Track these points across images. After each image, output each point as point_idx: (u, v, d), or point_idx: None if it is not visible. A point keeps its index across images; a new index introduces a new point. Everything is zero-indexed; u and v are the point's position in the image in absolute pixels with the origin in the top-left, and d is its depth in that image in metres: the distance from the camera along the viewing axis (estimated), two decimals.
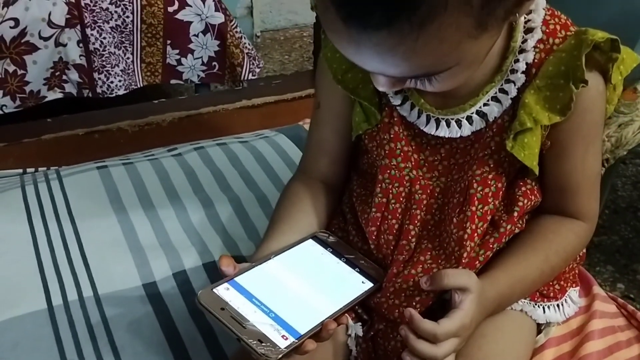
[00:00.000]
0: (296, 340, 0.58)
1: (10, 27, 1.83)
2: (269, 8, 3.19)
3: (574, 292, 0.77)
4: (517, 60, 0.63)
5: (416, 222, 0.70)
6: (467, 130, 0.66)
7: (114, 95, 2.03)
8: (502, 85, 0.64)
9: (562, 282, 0.75)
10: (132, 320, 0.79)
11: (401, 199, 0.70)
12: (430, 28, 0.48)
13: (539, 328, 0.75)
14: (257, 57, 2.19)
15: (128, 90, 2.06)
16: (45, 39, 1.89)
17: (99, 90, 2.00)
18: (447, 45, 0.50)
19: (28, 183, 1.01)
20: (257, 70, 2.16)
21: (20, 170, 1.07)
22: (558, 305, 0.75)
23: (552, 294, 0.74)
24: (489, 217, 0.68)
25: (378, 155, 0.71)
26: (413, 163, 0.70)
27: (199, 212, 0.96)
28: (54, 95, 1.97)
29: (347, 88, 0.70)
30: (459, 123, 0.66)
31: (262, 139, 1.14)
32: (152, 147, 1.13)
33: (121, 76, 2.04)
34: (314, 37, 1.45)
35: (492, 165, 0.66)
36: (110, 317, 0.79)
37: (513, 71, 0.64)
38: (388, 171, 0.70)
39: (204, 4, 2.05)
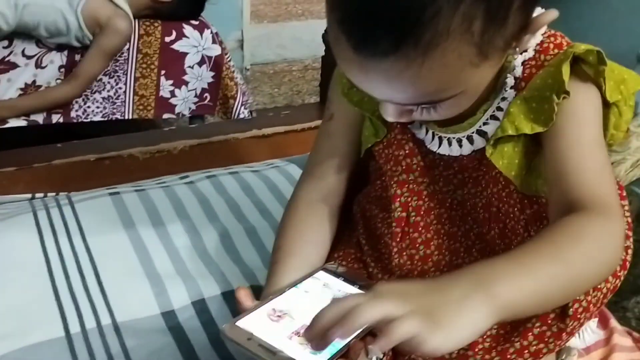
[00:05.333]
0: None
1: (3, 47, 1.78)
2: (259, 42, 3.22)
3: (592, 323, 0.78)
4: (506, 77, 0.66)
5: (442, 234, 0.71)
6: (467, 149, 0.68)
7: (88, 120, 1.97)
8: (498, 103, 0.66)
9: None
10: (152, 351, 0.77)
11: (421, 212, 0.72)
12: (434, 54, 0.51)
13: (559, 357, 0.74)
14: (246, 92, 2.20)
15: (106, 118, 2.01)
16: (28, 58, 1.84)
17: (73, 114, 1.94)
18: (450, 71, 0.54)
19: (39, 208, 0.99)
20: (248, 104, 2.17)
21: (29, 195, 1.05)
22: (578, 332, 0.75)
23: None
24: (520, 230, 0.67)
25: (395, 171, 0.72)
26: (430, 178, 0.72)
27: (215, 241, 0.96)
28: (17, 122, 1.86)
29: (352, 101, 0.73)
30: (459, 142, 0.69)
31: (273, 168, 1.15)
32: (163, 174, 1.12)
33: (100, 103, 2.00)
34: (322, 68, 1.47)
35: (503, 183, 0.67)
36: (130, 347, 0.78)
37: (505, 89, 0.66)
38: (406, 185, 0.72)
39: (201, 35, 2.07)
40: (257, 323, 0.61)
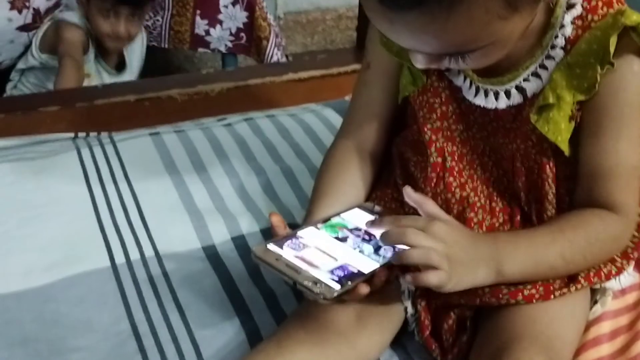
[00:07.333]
0: (350, 283, 0.60)
1: None
2: None
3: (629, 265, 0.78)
4: (556, 36, 0.64)
5: (475, 179, 0.72)
6: (503, 103, 0.68)
7: None
8: (542, 61, 0.65)
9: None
10: (194, 281, 0.80)
11: (456, 157, 0.72)
12: (459, 9, 0.50)
13: (594, 297, 0.75)
14: (279, 35, 2.19)
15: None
16: None
17: None
18: (476, 25, 0.52)
19: (83, 146, 1.02)
20: (282, 46, 2.16)
21: (72, 134, 1.08)
22: None
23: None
24: (546, 188, 0.69)
25: (429, 118, 0.73)
26: (464, 124, 0.72)
27: (252, 180, 0.97)
28: None
29: (391, 51, 0.73)
30: (496, 95, 0.68)
31: (309, 112, 1.15)
32: (201, 116, 1.13)
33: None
34: (359, 14, 1.45)
35: (534, 140, 0.67)
36: (173, 277, 0.80)
37: (553, 47, 0.65)
38: (441, 132, 0.72)
39: None
40: (286, 247, 0.64)
